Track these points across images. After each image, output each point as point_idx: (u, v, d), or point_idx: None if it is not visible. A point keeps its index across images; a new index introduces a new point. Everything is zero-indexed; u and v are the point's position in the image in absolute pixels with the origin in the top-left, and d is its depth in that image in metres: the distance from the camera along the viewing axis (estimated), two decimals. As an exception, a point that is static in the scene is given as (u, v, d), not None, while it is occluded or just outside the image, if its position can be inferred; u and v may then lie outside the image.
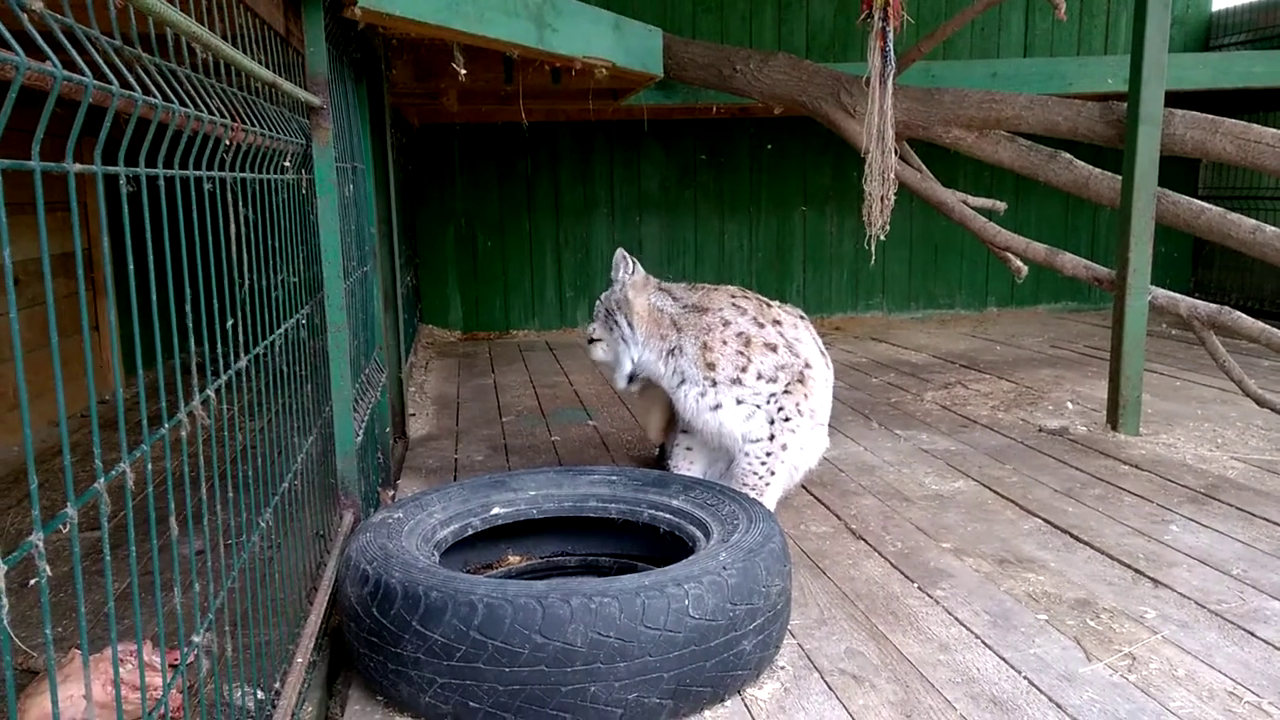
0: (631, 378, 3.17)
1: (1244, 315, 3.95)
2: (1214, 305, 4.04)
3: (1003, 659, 2.16)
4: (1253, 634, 2.25)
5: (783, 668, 2.14)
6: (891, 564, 2.73)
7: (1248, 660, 2.13)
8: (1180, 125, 4.26)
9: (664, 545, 2.47)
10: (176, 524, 1.23)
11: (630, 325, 3.13)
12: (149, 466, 1.14)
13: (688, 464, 3.21)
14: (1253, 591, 2.49)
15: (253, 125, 1.69)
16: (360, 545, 2.14)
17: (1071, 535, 2.92)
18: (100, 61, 1.02)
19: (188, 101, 1.31)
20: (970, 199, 5.01)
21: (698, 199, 7.38)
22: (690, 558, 2.10)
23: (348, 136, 2.86)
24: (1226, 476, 3.44)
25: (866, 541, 2.91)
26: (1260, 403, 3.89)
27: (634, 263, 3.21)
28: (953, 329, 7.08)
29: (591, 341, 3.27)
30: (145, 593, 2.31)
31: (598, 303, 3.28)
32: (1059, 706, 1.95)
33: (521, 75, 4.27)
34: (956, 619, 2.37)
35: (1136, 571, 2.63)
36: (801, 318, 3.23)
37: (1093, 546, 2.83)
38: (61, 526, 0.91)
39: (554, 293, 7.34)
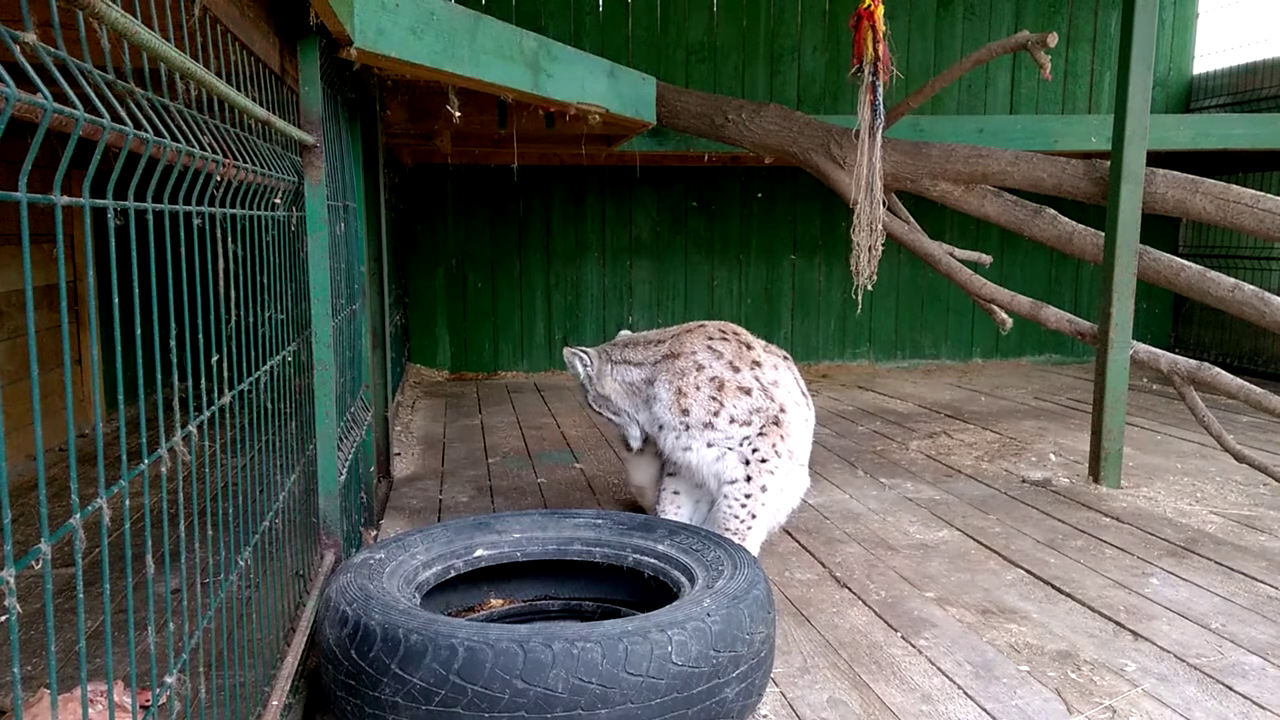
0: (646, 440, 3.25)
1: (1223, 371, 3.99)
2: (1194, 361, 4.08)
3: (984, 710, 2.14)
4: (1231, 688, 2.24)
5: (765, 716, 2.12)
6: (875, 613, 2.72)
7: (1226, 714, 2.12)
8: (1162, 184, 4.34)
9: (648, 590, 2.45)
10: (153, 562, 1.22)
11: (616, 411, 3.21)
12: (127, 502, 1.13)
13: (675, 508, 3.20)
14: (1231, 646, 2.48)
15: (245, 162, 1.71)
16: (340, 586, 2.12)
17: (1053, 586, 2.91)
18: (92, 95, 1.02)
19: (179, 137, 1.32)
20: (957, 251, 5.07)
21: (688, 245, 7.44)
22: (674, 603, 2.08)
23: (340, 175, 2.88)
24: (1206, 530, 3.45)
25: (850, 590, 2.90)
26: (1239, 458, 3.92)
27: (585, 358, 3.22)
28: (938, 379, 7.12)
29: (629, 452, 3.35)
30: (118, 631, 2.27)
31: (589, 405, 3.29)
32: (1041, 761, 1.93)
33: (516, 119, 4.32)
34: (939, 669, 2.36)
35: (1117, 624, 2.63)
36: (785, 358, 3.25)
37: (1074, 598, 2.82)
38: (34, 562, 0.90)
39: (543, 334, 7.35)
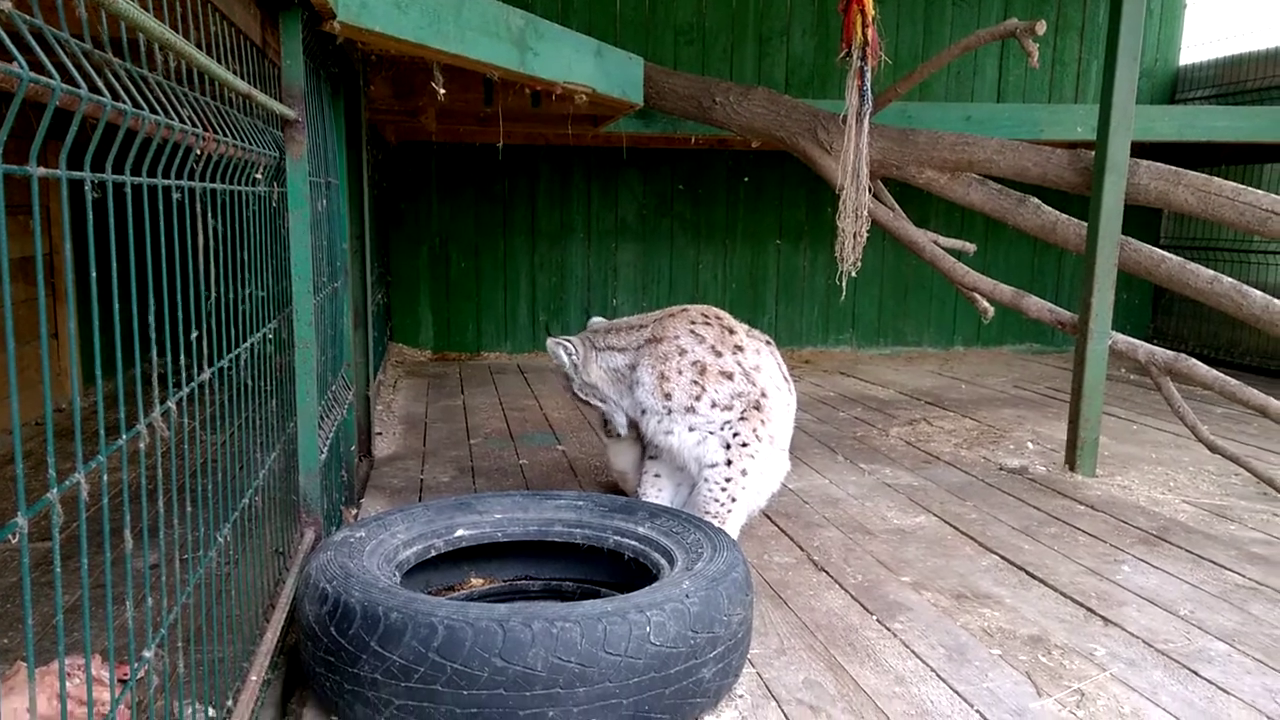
0: (631, 425, 3.24)
1: (1200, 363, 4.03)
2: (1171, 352, 4.12)
3: (956, 692, 2.17)
4: (1197, 673, 2.28)
5: (741, 696, 2.14)
6: (852, 596, 2.75)
7: (1191, 699, 2.16)
8: (1145, 175, 4.37)
9: (628, 572, 2.46)
10: (131, 537, 1.22)
11: (602, 399, 3.21)
12: (105, 477, 1.13)
13: (655, 491, 3.21)
14: (1198, 632, 2.52)
15: (225, 135, 1.69)
16: (320, 563, 2.12)
17: (1027, 572, 2.95)
18: (69, 65, 1.01)
19: (158, 109, 1.30)
20: (941, 239, 5.08)
21: (674, 228, 7.43)
22: (654, 585, 2.10)
23: (322, 151, 2.85)
24: (1177, 519, 3.50)
25: (828, 573, 2.92)
26: (1212, 448, 3.97)
27: (570, 348, 3.21)
28: (919, 366, 7.16)
29: (611, 437, 3.36)
30: (96, 606, 2.27)
31: (572, 395, 3.28)
32: (1011, 743, 1.96)
33: (502, 97, 4.29)
34: (913, 652, 2.38)
35: (1088, 610, 2.67)
36: (767, 343, 3.25)
37: (1047, 584, 2.85)
38: (10, 536, 0.90)
39: (527, 316, 7.34)
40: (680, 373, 3.01)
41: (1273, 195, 4.17)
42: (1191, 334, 7.58)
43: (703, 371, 3.00)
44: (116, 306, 1.15)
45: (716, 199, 7.44)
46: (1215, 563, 3.05)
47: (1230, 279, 4.18)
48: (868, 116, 4.21)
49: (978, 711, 2.09)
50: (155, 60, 1.35)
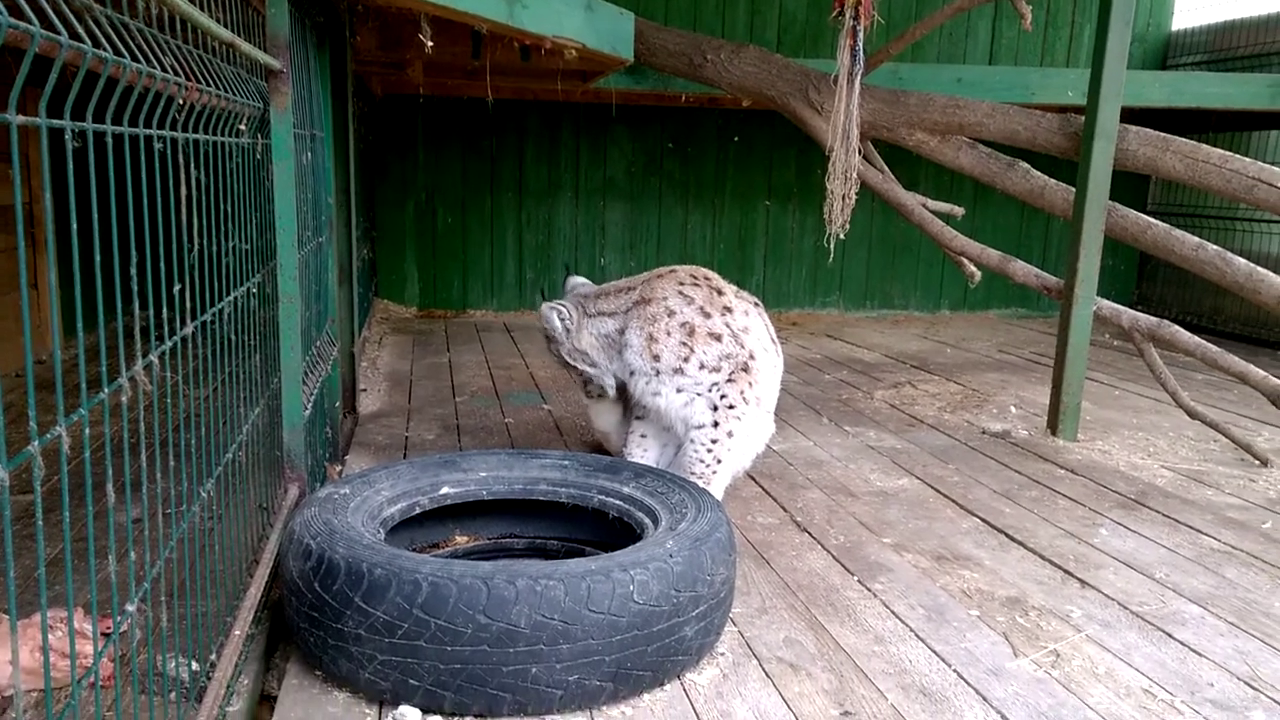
0: (621, 388, 3.23)
1: (1182, 330, 4.06)
2: (1154, 319, 4.14)
3: (934, 652, 2.21)
4: (1170, 635, 2.33)
5: (723, 654, 2.17)
6: (833, 557, 2.78)
7: (1164, 660, 2.20)
8: (1134, 141, 4.36)
9: (613, 531, 2.48)
10: (114, 491, 1.21)
11: (593, 364, 3.19)
12: (86, 430, 1.12)
13: (641, 451, 3.22)
14: (1173, 595, 2.57)
15: (208, 85, 1.66)
16: (305, 519, 2.12)
17: (1007, 535, 2.99)
18: (49, 10, 0.99)
19: (140, 57, 1.27)
20: (930, 202, 5.07)
21: (663, 187, 7.38)
22: (638, 544, 2.11)
23: (307, 102, 2.81)
24: (1156, 484, 3.54)
25: (810, 534, 2.95)
26: (1192, 414, 4.01)
27: (564, 313, 3.16)
28: (905, 329, 7.18)
29: (591, 398, 3.35)
30: (78, 559, 2.26)
31: (561, 358, 3.24)
32: (985, 699, 2.00)
33: (490, 51, 4.23)
34: (893, 612, 2.42)
35: (1066, 572, 2.71)
36: (755, 304, 3.25)
37: (1026, 546, 2.89)
38: (-8, 487, 0.89)
39: (514, 274, 7.30)
40: (669, 334, 3.01)
41: (1260, 163, 4.17)
42: (1175, 301, 7.62)
43: (691, 333, 3.00)
44: (98, 258, 1.14)
45: (706, 158, 7.39)
46: (1191, 527, 3.10)
47: (1215, 246, 4.19)
48: (859, 77, 4.17)
49: (955, 671, 2.12)
50: (136, 7, 1.31)
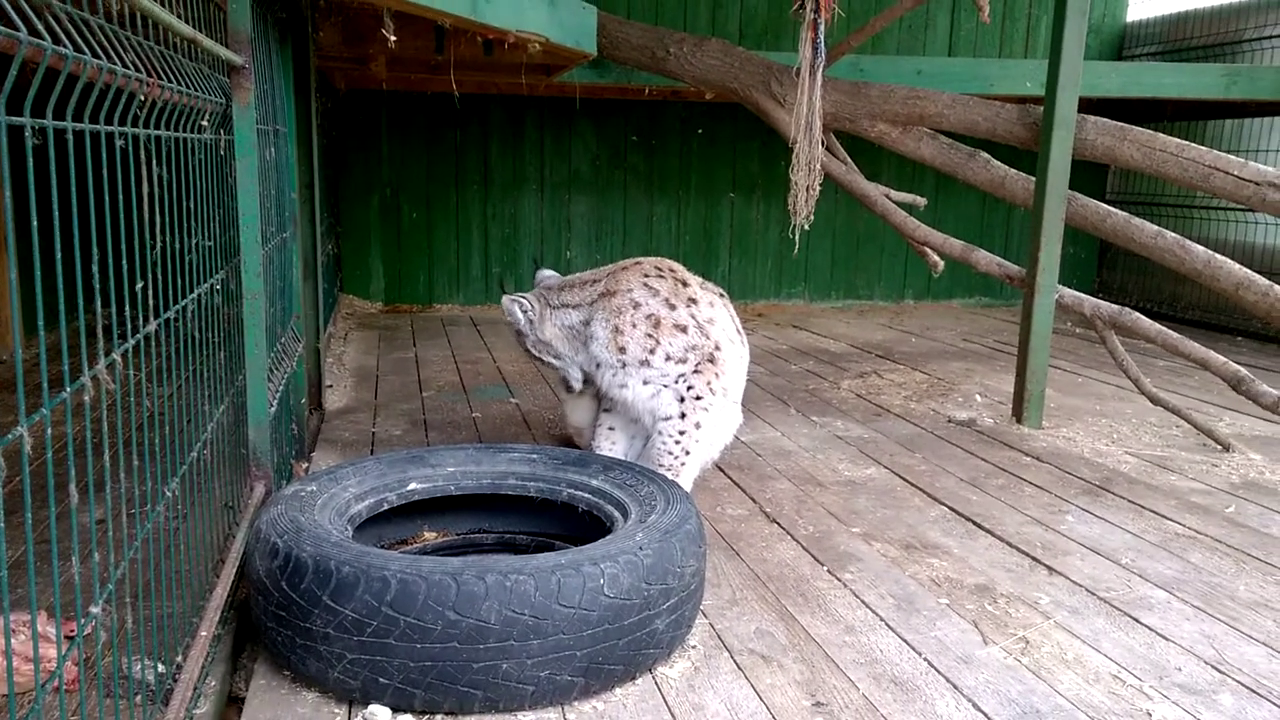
0: (587, 380, 3.22)
1: (1143, 317, 4.13)
2: (1115, 306, 4.21)
3: (905, 641, 2.23)
4: (1138, 620, 2.37)
5: (694, 647, 2.18)
6: (803, 547, 2.80)
7: (1132, 645, 2.24)
8: (1092, 131, 4.43)
9: (582, 525, 2.48)
10: (77, 491, 1.19)
11: (557, 355, 3.19)
12: (49, 431, 1.10)
13: (609, 444, 3.22)
14: (1139, 580, 2.62)
15: (170, 81, 1.63)
16: (271, 517, 2.10)
17: (974, 523, 3.03)
18: (7, 6, 0.97)
19: (100, 53, 1.25)
20: (893, 193, 5.11)
21: (627, 180, 7.38)
22: (607, 537, 2.11)
23: (270, 98, 2.77)
24: (1120, 470, 3.61)
25: (780, 525, 2.97)
26: (1154, 401, 4.09)
27: (526, 305, 3.16)
28: (870, 319, 7.24)
29: (570, 393, 3.32)
30: (41, 561, 2.22)
31: (527, 350, 3.24)
32: (955, 687, 2.03)
33: (453, 45, 4.19)
34: (863, 602, 2.44)
35: (1033, 559, 2.75)
36: (721, 296, 3.26)
37: (994, 534, 2.93)
38: (-47, 491, 0.87)
39: (480, 268, 7.26)
40: (634, 326, 3.01)
41: (1215, 151, 4.26)
42: (1135, 288, 7.75)
43: (657, 324, 3.01)
44: (59, 256, 1.12)
45: (670, 150, 7.39)
46: (1156, 512, 3.16)
47: (1173, 234, 4.27)
48: (821, 69, 4.19)
49: (926, 659, 2.15)
50: (96, 3, 1.29)
